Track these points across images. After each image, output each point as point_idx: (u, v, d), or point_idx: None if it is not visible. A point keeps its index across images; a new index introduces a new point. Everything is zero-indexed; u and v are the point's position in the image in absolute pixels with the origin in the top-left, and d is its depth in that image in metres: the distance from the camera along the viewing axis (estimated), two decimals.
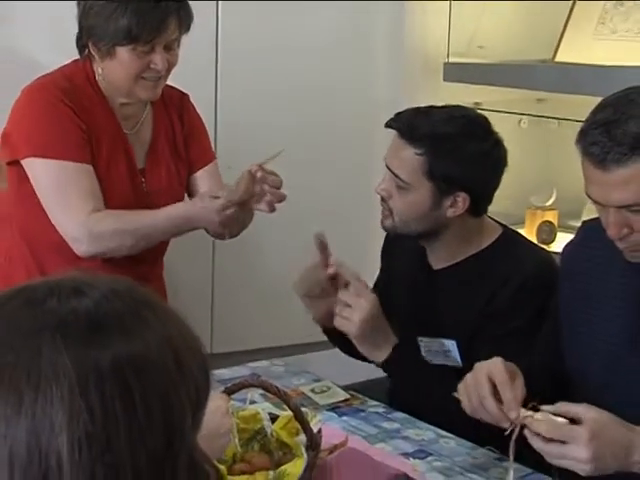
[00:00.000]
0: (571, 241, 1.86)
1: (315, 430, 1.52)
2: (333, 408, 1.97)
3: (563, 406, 1.48)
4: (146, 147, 2.20)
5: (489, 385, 1.56)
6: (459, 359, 1.95)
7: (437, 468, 1.73)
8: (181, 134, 2.25)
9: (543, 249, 2.11)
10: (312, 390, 2.03)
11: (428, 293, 2.04)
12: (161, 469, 0.81)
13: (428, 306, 2.03)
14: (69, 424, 0.76)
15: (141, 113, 2.19)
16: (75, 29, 2.09)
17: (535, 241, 3.01)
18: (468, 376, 1.61)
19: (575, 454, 1.43)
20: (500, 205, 3.00)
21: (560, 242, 2.86)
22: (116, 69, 2.06)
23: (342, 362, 2.18)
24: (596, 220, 1.72)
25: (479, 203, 1.96)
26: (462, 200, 1.92)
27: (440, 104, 2.78)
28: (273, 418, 1.61)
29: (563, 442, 1.44)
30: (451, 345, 1.96)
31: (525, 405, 1.53)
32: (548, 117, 2.97)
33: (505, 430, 1.54)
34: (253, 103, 2.93)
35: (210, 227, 2.11)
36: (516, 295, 1.90)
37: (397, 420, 1.92)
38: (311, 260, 2.02)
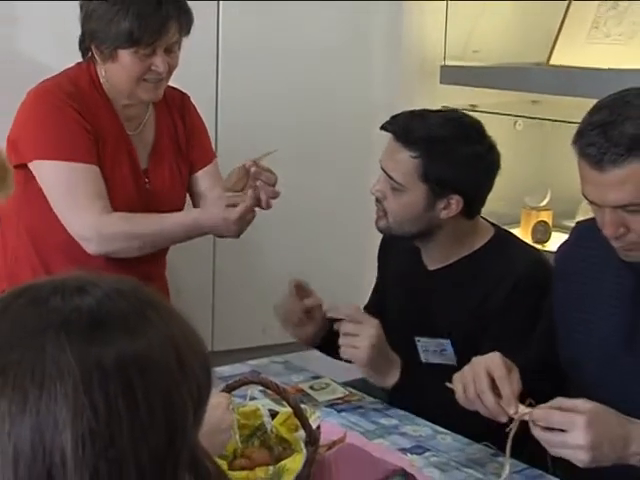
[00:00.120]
0: (565, 241, 1.86)
1: (314, 426, 1.52)
2: (332, 404, 1.97)
3: (559, 401, 1.49)
4: (149, 148, 2.21)
5: (487, 379, 1.56)
6: (454, 357, 1.95)
7: (434, 463, 1.73)
8: (183, 134, 2.26)
9: (536, 249, 2.11)
10: (311, 387, 2.03)
11: (424, 293, 2.04)
12: (163, 465, 0.81)
13: (424, 306, 2.03)
14: (73, 421, 0.76)
15: (144, 114, 2.19)
16: (78, 31, 2.09)
17: (530, 241, 3.01)
18: (466, 368, 1.61)
19: (574, 441, 1.43)
20: (496, 205, 3.00)
21: (555, 242, 2.86)
22: (118, 71, 2.07)
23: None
24: (590, 221, 1.72)
25: (472, 205, 1.96)
26: (455, 202, 1.92)
27: (437, 106, 2.79)
28: (273, 414, 1.60)
29: (563, 431, 1.45)
30: (447, 344, 1.96)
31: (522, 401, 1.53)
32: (543, 119, 2.97)
33: (502, 425, 1.54)
34: (253, 104, 2.93)
35: (226, 234, 2.11)
36: (510, 295, 1.90)
37: (395, 416, 1.92)
38: (288, 290, 2.05)
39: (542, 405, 1.50)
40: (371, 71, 3.13)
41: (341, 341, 1.88)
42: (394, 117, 1.98)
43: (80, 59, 2.14)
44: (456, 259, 2.01)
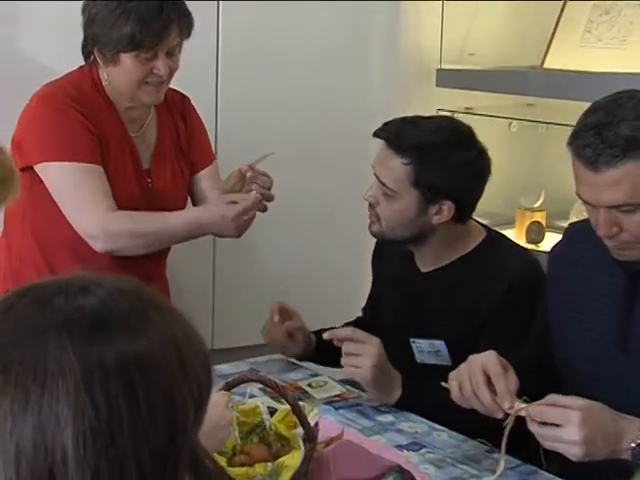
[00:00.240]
0: (558, 243, 1.86)
1: (312, 423, 1.52)
2: (330, 402, 1.96)
3: (552, 398, 1.49)
4: (151, 149, 2.21)
5: (483, 376, 1.56)
6: (449, 358, 1.94)
7: (430, 460, 1.73)
8: (185, 135, 2.26)
9: (527, 250, 2.10)
10: (309, 384, 2.03)
11: (417, 295, 2.04)
12: (163, 464, 0.80)
13: (418, 308, 2.03)
14: (74, 419, 0.76)
15: (146, 116, 2.20)
16: (80, 33, 2.09)
17: (524, 240, 3.02)
18: (462, 366, 1.62)
19: (568, 436, 1.43)
20: (491, 206, 3.00)
21: (548, 242, 2.86)
22: (120, 75, 2.07)
23: None
24: (582, 222, 1.73)
25: (464, 210, 1.96)
26: (447, 208, 1.92)
27: (432, 109, 2.79)
28: (272, 412, 1.60)
29: (557, 426, 1.45)
30: (441, 345, 1.96)
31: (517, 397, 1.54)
32: (537, 121, 2.97)
33: (497, 423, 1.55)
34: (252, 106, 2.92)
35: (225, 233, 2.11)
36: (504, 297, 1.89)
37: (391, 413, 1.91)
38: (271, 313, 2.08)
39: (535, 403, 1.50)
40: (368, 74, 3.13)
41: (344, 361, 1.88)
42: (386, 124, 1.98)
43: (82, 60, 2.14)
44: (449, 261, 2.00)
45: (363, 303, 2.26)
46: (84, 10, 2.07)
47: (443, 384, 1.63)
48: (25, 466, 0.76)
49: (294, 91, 2.99)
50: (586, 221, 1.64)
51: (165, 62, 2.05)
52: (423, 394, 1.88)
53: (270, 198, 2.08)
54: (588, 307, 1.69)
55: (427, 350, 1.98)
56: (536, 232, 3.02)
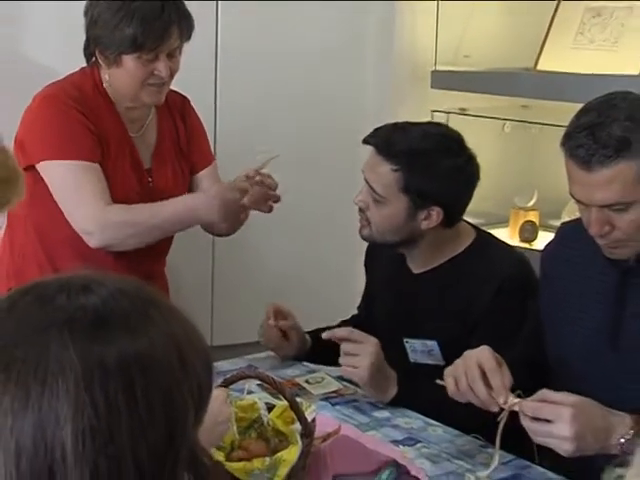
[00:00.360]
0: (550, 242, 1.86)
1: (309, 419, 1.52)
2: (326, 398, 1.96)
3: (544, 394, 1.49)
4: (151, 149, 2.21)
5: (479, 371, 1.56)
6: (442, 358, 1.94)
7: (425, 454, 1.73)
8: (185, 136, 2.27)
9: (517, 250, 2.08)
10: (306, 381, 2.03)
11: (409, 296, 2.03)
12: (162, 463, 0.80)
13: (410, 309, 2.02)
14: (74, 417, 0.75)
15: (146, 117, 2.20)
16: (82, 34, 2.09)
17: (518, 239, 3.02)
18: (457, 361, 1.62)
19: (559, 432, 1.44)
20: (485, 205, 3.01)
21: (542, 240, 2.86)
22: (122, 76, 2.07)
23: None
24: (574, 221, 1.73)
25: (452, 216, 1.95)
26: (436, 214, 1.91)
27: (427, 110, 2.79)
28: (270, 407, 1.60)
29: (549, 422, 1.46)
30: (434, 345, 1.96)
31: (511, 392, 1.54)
32: (530, 122, 2.97)
33: (491, 419, 1.55)
34: (251, 107, 2.92)
35: (211, 215, 2.08)
36: (496, 297, 1.88)
37: (387, 409, 1.91)
38: (266, 314, 2.09)
39: (529, 397, 1.50)
40: (364, 75, 3.13)
41: (342, 361, 1.88)
42: (376, 130, 1.97)
43: (83, 62, 2.14)
44: (440, 263, 2.00)
45: (359, 302, 2.26)
46: (86, 12, 2.07)
47: (438, 381, 1.63)
48: (25, 463, 0.75)
49: (291, 92, 2.99)
50: (578, 220, 1.64)
51: (166, 63, 2.05)
52: (418, 392, 1.88)
53: (277, 199, 2.08)
54: (580, 305, 1.69)
55: (420, 350, 1.98)
56: (529, 231, 3.02)
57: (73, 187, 2.06)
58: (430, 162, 1.89)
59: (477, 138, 3.08)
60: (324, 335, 1.93)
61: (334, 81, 3.05)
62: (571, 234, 1.75)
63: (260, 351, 2.19)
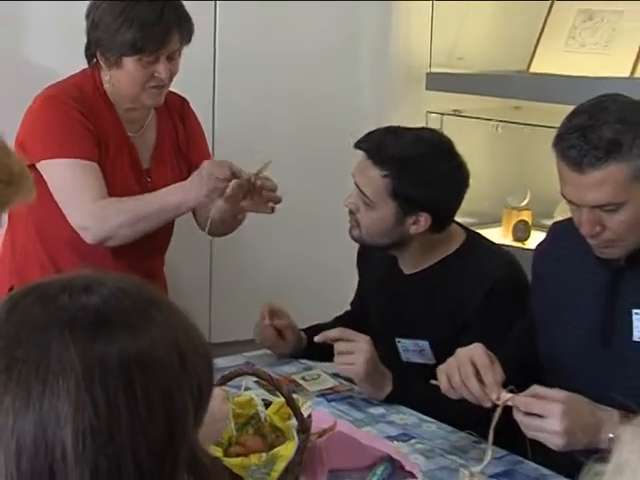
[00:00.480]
0: (542, 241, 1.85)
1: (306, 415, 1.52)
2: (322, 394, 1.96)
3: (535, 389, 1.50)
4: (151, 149, 2.21)
5: (472, 367, 1.56)
6: (433, 357, 1.94)
7: (419, 450, 1.73)
8: (184, 137, 2.27)
9: (506, 251, 2.05)
10: (303, 378, 2.02)
11: (401, 297, 2.03)
12: (162, 462, 0.79)
13: (402, 309, 2.02)
14: (74, 417, 0.75)
15: (145, 118, 2.20)
16: (83, 37, 2.09)
17: (511, 239, 3.02)
18: (450, 359, 1.62)
19: (550, 427, 1.45)
20: (479, 205, 3.01)
21: (534, 240, 2.86)
22: (123, 78, 2.07)
23: None
24: (565, 221, 1.73)
25: (441, 221, 1.94)
26: (424, 220, 1.90)
27: (422, 111, 2.78)
28: (267, 404, 1.60)
29: (540, 417, 1.46)
30: (425, 345, 1.96)
31: (503, 387, 1.55)
32: (523, 124, 2.97)
33: (485, 413, 1.55)
34: (248, 108, 2.92)
35: (197, 188, 2.02)
36: (487, 298, 1.88)
37: (382, 405, 1.91)
38: (261, 314, 2.09)
39: (521, 393, 1.51)
40: (361, 78, 3.13)
41: (337, 360, 1.88)
42: (368, 134, 1.95)
43: (84, 64, 2.15)
44: (430, 264, 1.99)
45: (352, 298, 2.26)
46: (88, 15, 2.07)
47: (432, 382, 1.63)
48: (26, 462, 0.75)
49: (289, 93, 2.99)
50: (570, 220, 1.64)
51: (166, 66, 2.05)
52: (412, 390, 1.88)
53: (278, 200, 2.07)
54: (572, 304, 1.69)
55: (412, 349, 1.98)
56: (522, 230, 3.02)
57: (71, 184, 2.06)
58: (419, 169, 1.88)
59: (471, 139, 3.11)
60: (317, 339, 1.93)
61: (331, 82, 3.05)
62: (563, 234, 1.75)
63: (257, 348, 2.18)
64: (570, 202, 1.56)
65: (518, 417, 1.49)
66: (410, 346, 1.97)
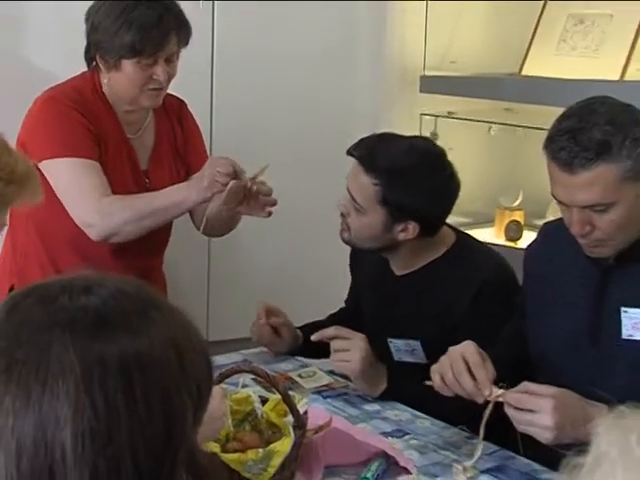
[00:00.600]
0: (533, 241, 1.86)
1: (302, 411, 1.52)
2: (318, 391, 1.96)
3: (526, 385, 1.51)
4: (149, 151, 2.21)
5: (464, 364, 1.57)
6: (424, 356, 1.94)
7: (413, 446, 1.73)
8: (181, 138, 2.27)
9: (496, 253, 2.04)
10: (299, 375, 2.02)
11: (392, 298, 2.03)
12: (161, 462, 0.78)
13: (393, 310, 2.01)
14: (73, 418, 0.74)
15: (144, 120, 2.20)
16: (82, 40, 2.09)
17: (504, 238, 3.02)
18: (442, 358, 1.63)
19: (541, 422, 1.46)
20: (472, 205, 3.01)
21: (526, 239, 2.86)
22: (122, 80, 2.07)
23: None
24: (556, 221, 1.73)
25: (429, 229, 1.93)
26: (412, 228, 1.90)
27: (416, 113, 2.77)
28: (263, 400, 1.60)
29: (531, 412, 1.47)
30: (416, 345, 1.96)
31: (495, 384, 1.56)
32: (515, 125, 2.98)
33: (477, 409, 1.56)
34: (246, 110, 2.92)
35: (199, 183, 2.01)
36: (475, 299, 1.88)
37: (377, 402, 1.91)
38: (257, 313, 2.10)
39: (512, 389, 1.52)
40: (357, 80, 3.13)
41: (333, 357, 1.88)
42: (361, 140, 1.94)
43: (83, 67, 2.14)
44: (420, 265, 1.99)
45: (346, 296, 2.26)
46: (87, 18, 2.07)
47: (426, 383, 1.63)
48: (26, 463, 0.74)
49: (285, 95, 2.99)
50: (560, 220, 1.64)
51: (164, 68, 2.05)
52: (407, 387, 1.88)
53: (274, 203, 2.08)
54: (562, 302, 1.70)
55: (404, 349, 1.98)
56: (514, 230, 3.02)
57: (73, 183, 2.06)
58: (410, 180, 1.87)
59: (464, 140, 3.11)
60: (313, 337, 1.93)
61: (328, 84, 3.05)
62: (553, 234, 1.75)
63: (254, 346, 2.19)
64: (560, 202, 1.57)
65: (509, 412, 1.50)
66: (402, 346, 1.97)
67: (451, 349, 1.62)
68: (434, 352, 1.73)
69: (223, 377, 1.51)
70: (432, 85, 3.04)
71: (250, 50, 2.90)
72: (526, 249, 1.86)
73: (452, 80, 3.03)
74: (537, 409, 1.47)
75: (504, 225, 3.05)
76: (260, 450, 1.44)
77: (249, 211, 2.08)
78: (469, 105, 3.03)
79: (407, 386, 1.88)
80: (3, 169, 1.33)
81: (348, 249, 2.16)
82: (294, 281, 2.98)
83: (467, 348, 1.60)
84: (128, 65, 2.04)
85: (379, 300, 2.07)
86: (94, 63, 2.12)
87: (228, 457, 1.42)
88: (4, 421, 0.75)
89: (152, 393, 0.77)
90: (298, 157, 3.00)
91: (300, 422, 1.49)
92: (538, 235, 1.85)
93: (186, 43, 2.10)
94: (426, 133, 3.05)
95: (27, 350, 0.76)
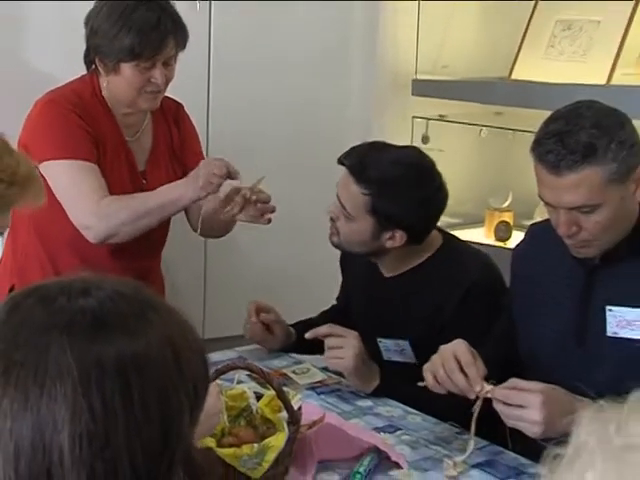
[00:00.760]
0: (520, 242, 1.86)
1: (296, 407, 1.52)
2: (312, 387, 1.97)
3: (514, 382, 1.52)
4: (147, 152, 2.21)
5: (455, 362, 1.57)
6: (414, 356, 1.94)
7: (405, 441, 1.73)
8: (178, 140, 2.27)
9: (483, 254, 2.04)
10: (293, 371, 2.03)
11: (381, 299, 2.03)
12: (158, 462, 0.78)
13: (383, 311, 2.02)
14: (71, 421, 0.74)
15: (141, 122, 2.20)
16: (80, 45, 2.09)
17: (493, 238, 3.03)
18: (434, 357, 1.63)
19: (530, 417, 1.47)
20: (462, 206, 3.01)
21: (516, 239, 2.86)
22: (120, 83, 2.07)
23: None
24: (543, 222, 1.73)
25: (416, 238, 1.93)
26: (399, 236, 1.90)
27: (408, 116, 2.75)
28: (258, 396, 1.60)
29: (521, 407, 1.48)
30: (405, 345, 1.96)
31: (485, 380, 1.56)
32: (505, 128, 2.98)
33: (467, 406, 1.57)
34: (242, 113, 2.92)
35: (192, 188, 2.02)
36: (464, 300, 1.88)
37: (370, 398, 1.92)
38: (248, 311, 2.10)
39: (501, 385, 1.53)
40: (350, 84, 3.13)
41: (327, 354, 1.89)
42: (352, 149, 1.94)
43: (82, 69, 2.14)
44: (409, 267, 1.99)
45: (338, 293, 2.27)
46: (87, 22, 2.08)
47: (420, 384, 1.63)
48: (24, 465, 0.74)
49: (281, 98, 2.99)
50: (547, 221, 1.65)
51: (162, 71, 2.05)
52: (399, 384, 1.88)
53: (273, 210, 2.08)
54: (549, 302, 1.70)
55: (393, 349, 1.98)
56: (504, 231, 3.03)
57: (72, 185, 2.06)
58: (398, 191, 1.87)
59: (455, 143, 3.12)
60: (307, 335, 1.93)
61: (321, 88, 3.05)
62: (540, 234, 1.76)
63: (249, 343, 2.19)
64: (547, 204, 1.57)
65: (498, 407, 1.51)
66: (391, 346, 1.98)
67: (442, 348, 1.62)
68: (423, 352, 1.73)
69: (219, 374, 1.51)
70: (424, 89, 3.04)
71: (246, 53, 2.90)
72: (513, 250, 1.87)
73: (443, 84, 3.04)
74: (526, 404, 1.48)
75: (494, 226, 3.06)
76: (255, 445, 1.44)
77: (249, 219, 2.08)
78: (460, 108, 3.03)
79: (399, 383, 1.88)
80: (5, 171, 1.32)
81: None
82: (288, 280, 2.99)
83: (458, 347, 1.60)
84: (127, 68, 2.04)
85: (368, 301, 2.07)
86: (93, 66, 2.12)
87: (224, 452, 1.42)
88: (2, 423, 0.74)
89: (149, 394, 0.77)
90: (292, 159, 3.01)
91: (294, 418, 1.49)
92: (525, 236, 1.85)
93: (183, 47, 2.10)
94: (418, 136, 3.06)
95: (25, 352, 0.76)
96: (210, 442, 1.42)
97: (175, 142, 2.25)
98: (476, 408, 1.56)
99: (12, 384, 0.75)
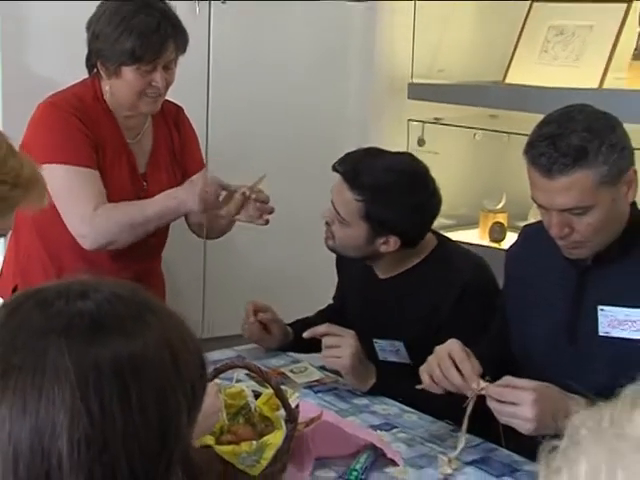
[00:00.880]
0: (513, 244, 1.86)
1: (293, 405, 1.52)
2: (309, 386, 1.97)
3: (508, 379, 1.52)
4: (147, 155, 2.21)
5: (450, 361, 1.58)
6: (408, 357, 1.95)
7: (401, 439, 1.74)
8: (178, 143, 2.27)
9: (476, 255, 2.04)
10: (291, 370, 2.03)
11: (376, 300, 2.03)
12: (156, 463, 0.77)
13: (378, 312, 2.02)
14: (70, 426, 0.73)
15: (142, 125, 2.20)
16: (82, 49, 2.09)
17: (488, 239, 3.03)
18: (429, 358, 1.63)
19: (522, 414, 1.47)
20: (457, 207, 3.02)
21: (510, 240, 2.86)
22: (122, 86, 2.07)
23: None
24: (536, 224, 1.74)
25: (410, 242, 1.94)
26: (393, 241, 1.91)
27: (404, 119, 2.75)
28: (256, 395, 1.60)
29: (514, 404, 1.49)
30: (400, 346, 1.97)
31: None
32: (499, 131, 2.99)
33: (461, 404, 1.57)
34: (241, 117, 2.92)
35: (190, 201, 2.04)
36: (459, 301, 1.88)
37: (366, 396, 1.92)
38: (246, 311, 2.10)
39: (494, 383, 1.54)
40: (347, 88, 3.14)
41: (324, 353, 1.89)
42: (346, 155, 1.94)
43: (84, 74, 2.15)
44: (404, 269, 1.99)
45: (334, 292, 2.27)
46: (88, 27, 2.08)
47: (418, 387, 1.64)
48: (23, 469, 0.73)
49: (279, 101, 2.99)
50: (540, 223, 1.65)
51: (162, 75, 2.06)
52: (395, 383, 1.88)
53: (272, 211, 2.09)
54: (542, 302, 1.70)
55: (388, 349, 1.98)
56: (498, 232, 3.03)
57: (68, 191, 2.05)
58: (392, 198, 1.87)
59: (450, 145, 3.12)
60: (305, 335, 1.93)
61: (319, 91, 3.05)
62: (533, 236, 1.76)
63: (248, 342, 2.19)
64: (540, 206, 1.57)
65: (492, 405, 1.51)
66: (386, 346, 1.98)
67: (437, 348, 1.63)
68: (417, 353, 1.73)
69: (218, 372, 1.52)
70: (420, 92, 3.05)
71: (244, 56, 2.90)
72: (507, 251, 1.87)
73: (439, 87, 3.04)
74: (519, 402, 1.48)
75: (488, 227, 3.06)
76: (253, 442, 1.44)
77: (247, 219, 2.09)
78: (455, 112, 3.03)
79: (395, 382, 1.89)
80: (9, 173, 1.31)
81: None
82: (285, 281, 2.99)
83: (453, 346, 1.61)
84: (128, 72, 2.04)
85: (363, 302, 2.07)
86: (95, 70, 2.12)
87: (222, 449, 1.42)
88: (1, 427, 0.73)
89: (147, 395, 0.76)
90: (290, 161, 3.01)
91: (292, 416, 1.49)
92: (518, 237, 1.86)
93: (184, 50, 2.10)
94: (414, 138, 3.06)
95: (23, 356, 0.75)
96: (209, 439, 1.43)
97: (175, 145, 2.26)
98: (468, 405, 1.57)
99: (10, 388, 0.74)
